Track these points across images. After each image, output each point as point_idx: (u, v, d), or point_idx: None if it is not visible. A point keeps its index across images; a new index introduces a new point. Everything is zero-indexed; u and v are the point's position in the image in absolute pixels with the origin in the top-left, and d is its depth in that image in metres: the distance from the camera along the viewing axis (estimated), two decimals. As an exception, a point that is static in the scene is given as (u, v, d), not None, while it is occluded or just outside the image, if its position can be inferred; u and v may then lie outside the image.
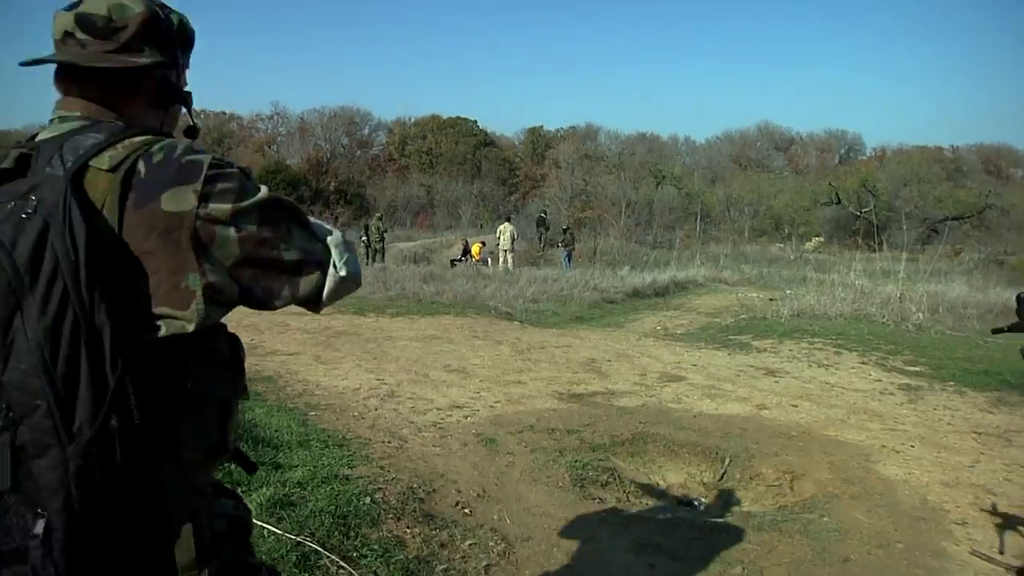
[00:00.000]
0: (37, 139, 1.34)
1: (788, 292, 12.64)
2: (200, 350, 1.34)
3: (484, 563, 3.58)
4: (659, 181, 41.70)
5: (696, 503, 4.86)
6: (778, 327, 11.02)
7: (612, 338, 10.34)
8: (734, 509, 4.67)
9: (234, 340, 1.47)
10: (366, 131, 59.20)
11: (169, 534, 1.30)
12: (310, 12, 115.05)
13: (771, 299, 13.52)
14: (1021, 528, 4.16)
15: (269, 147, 53.58)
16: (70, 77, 1.39)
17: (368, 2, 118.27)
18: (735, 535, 4.13)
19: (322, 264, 1.38)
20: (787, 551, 3.92)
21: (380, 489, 4.13)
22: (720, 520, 4.38)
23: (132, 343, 1.21)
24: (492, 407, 6.25)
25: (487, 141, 58.21)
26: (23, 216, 1.18)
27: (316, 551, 3.28)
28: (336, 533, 3.48)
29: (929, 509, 4.49)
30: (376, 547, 3.46)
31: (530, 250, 30.26)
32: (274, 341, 8.77)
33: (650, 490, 4.96)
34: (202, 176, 1.28)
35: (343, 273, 1.39)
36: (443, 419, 5.85)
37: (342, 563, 3.21)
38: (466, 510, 4.15)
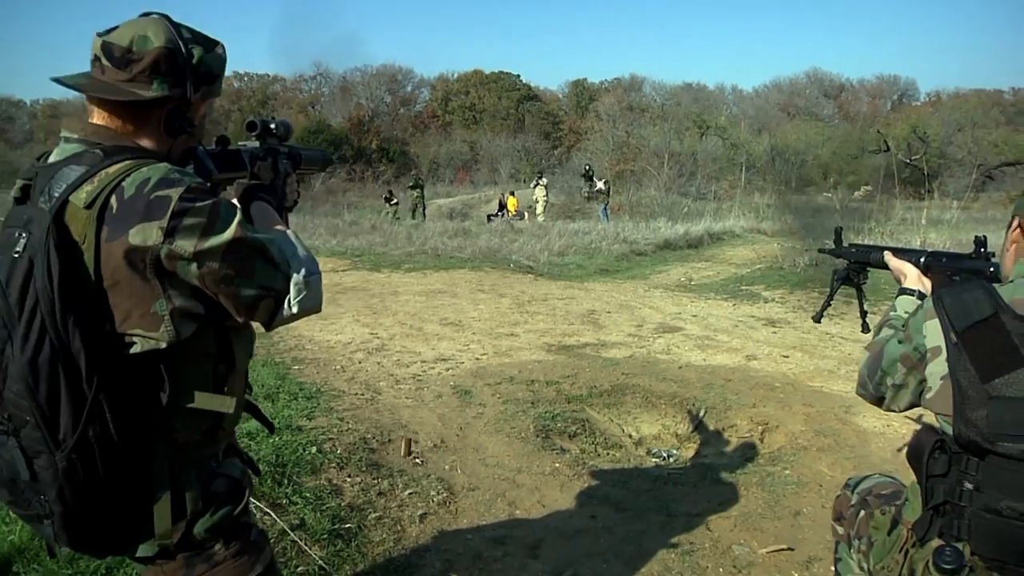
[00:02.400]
0: (44, 163, 1.49)
1: (810, 242, 12.26)
2: (183, 352, 1.47)
3: (421, 512, 3.59)
4: (703, 132, 40.87)
5: (665, 455, 4.80)
6: (792, 277, 10.77)
7: (619, 290, 10.21)
8: (699, 461, 4.60)
9: (224, 337, 1.57)
10: (409, 88, 58.99)
11: (152, 503, 1.49)
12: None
13: (790, 246, 13.17)
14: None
15: (313, 107, 53.72)
16: (91, 98, 1.51)
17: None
18: (688, 487, 4.08)
19: (279, 298, 1.49)
20: (739, 504, 3.87)
21: (331, 440, 4.16)
22: (677, 472, 4.32)
23: (107, 363, 1.38)
24: (478, 359, 6.24)
25: (530, 95, 57.49)
26: (14, 255, 1.35)
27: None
28: (269, 481, 3.51)
29: (900, 461, 4.33)
30: (309, 495, 3.49)
31: (569, 203, 30.03)
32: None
33: (619, 442, 4.91)
34: (168, 212, 1.36)
35: (295, 310, 1.50)
36: (425, 371, 5.86)
37: (267, 510, 3.24)
38: (418, 460, 4.17)
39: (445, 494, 3.79)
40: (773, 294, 9.62)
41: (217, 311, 1.49)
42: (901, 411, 1.83)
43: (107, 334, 1.40)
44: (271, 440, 3.96)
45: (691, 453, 4.82)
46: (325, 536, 3.19)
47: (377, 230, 17.46)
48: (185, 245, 1.38)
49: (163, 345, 1.42)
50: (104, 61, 1.48)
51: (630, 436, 5.06)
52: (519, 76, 58.13)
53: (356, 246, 13.99)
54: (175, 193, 1.38)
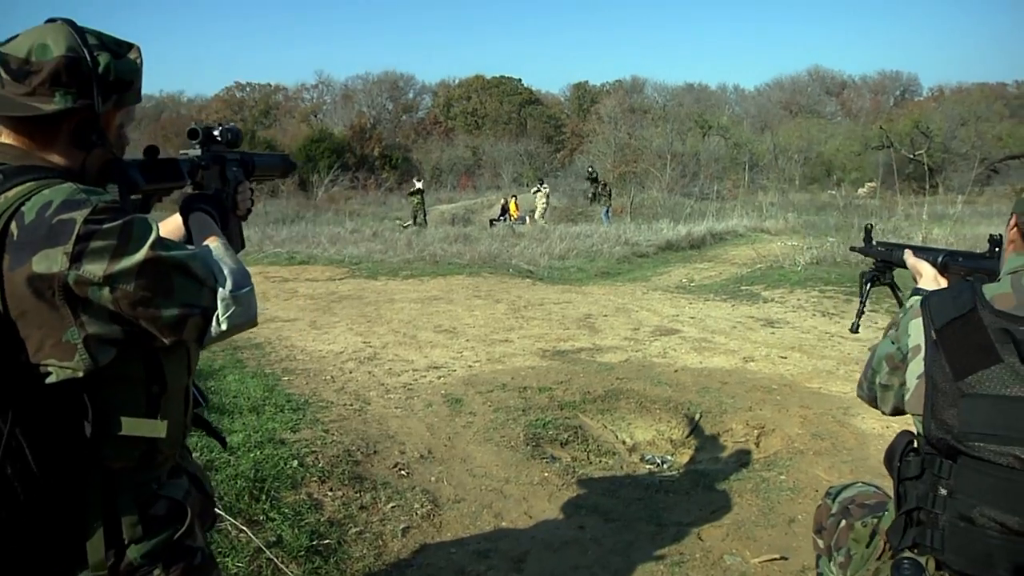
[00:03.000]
0: None
1: (812, 240, 12.15)
2: (107, 378, 1.36)
3: (404, 525, 3.50)
4: (705, 132, 40.75)
5: (659, 461, 4.70)
6: (792, 276, 10.64)
7: (617, 293, 10.12)
8: (692, 468, 4.50)
9: (153, 359, 1.46)
10: (411, 95, 59.06)
11: (86, 532, 1.40)
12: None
13: (792, 244, 13.07)
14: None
15: (315, 116, 53.80)
16: None
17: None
18: (680, 495, 3.99)
19: (206, 315, 1.39)
20: (732, 512, 3.77)
21: (314, 452, 4.07)
22: (670, 479, 4.22)
23: (21, 396, 1.28)
24: (470, 367, 6.15)
25: (532, 99, 57.45)
26: None
27: (218, 515, 3.22)
28: (246, 497, 3.43)
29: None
30: (287, 510, 3.41)
31: (571, 207, 29.96)
32: (276, 308, 8.77)
33: (612, 449, 4.81)
34: (73, 237, 1.26)
35: (224, 327, 1.40)
36: (416, 380, 5.77)
37: (242, 527, 3.15)
38: (403, 472, 4.08)
39: (429, 507, 3.70)
40: (773, 294, 9.51)
41: (140, 334, 1.38)
42: (889, 414, 1.76)
43: (20, 365, 1.30)
44: (251, 455, 3.88)
45: (685, 459, 4.72)
46: (303, 553, 3.10)
47: (378, 237, 17.41)
48: (94, 269, 1.28)
49: (80, 374, 1.32)
50: (2, 74, 1.36)
51: (623, 442, 4.96)
52: (520, 80, 58.24)
53: (355, 254, 13.91)
54: (80, 216, 1.28)
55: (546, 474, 4.15)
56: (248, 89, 57.38)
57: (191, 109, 55.10)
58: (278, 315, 8.38)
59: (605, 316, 8.16)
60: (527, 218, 25.27)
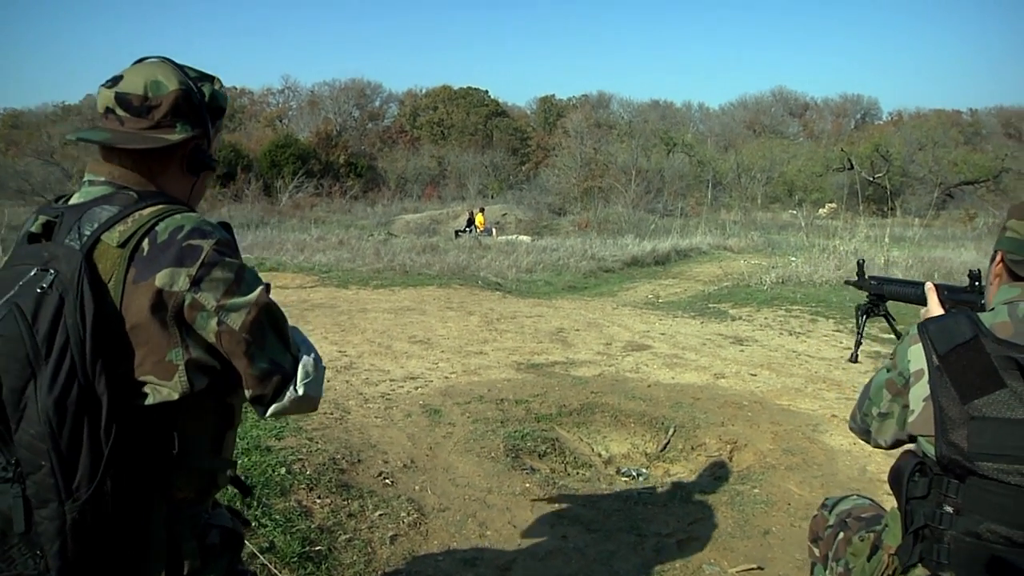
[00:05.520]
0: (66, 203, 1.48)
1: (776, 259, 12.43)
2: (189, 408, 1.43)
3: (391, 533, 3.56)
4: (670, 148, 41.24)
5: (635, 474, 4.81)
6: (759, 295, 10.88)
7: (588, 307, 10.25)
8: (668, 480, 4.62)
9: (225, 397, 1.54)
10: (377, 103, 58.90)
11: (149, 562, 1.44)
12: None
13: (756, 263, 13.34)
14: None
15: (280, 121, 53.42)
16: (110, 149, 1.50)
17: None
18: (658, 507, 4.10)
19: (286, 378, 1.47)
20: (708, 523, 3.89)
21: (300, 460, 4.12)
22: (647, 492, 4.34)
23: (124, 411, 1.34)
24: (447, 378, 6.22)
25: (499, 111, 57.67)
26: (39, 290, 1.30)
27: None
28: (237, 503, 3.46)
29: (867, 480, 4.42)
30: (279, 517, 3.45)
31: (536, 219, 30.15)
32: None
33: (589, 461, 4.92)
34: (199, 262, 1.38)
35: (300, 392, 1.47)
36: (394, 390, 5.83)
37: (235, 535, 3.19)
38: (387, 480, 4.14)
39: (415, 515, 3.77)
40: (740, 312, 9.70)
41: (226, 373, 1.47)
42: (887, 446, 1.82)
43: (125, 381, 1.36)
44: (240, 462, 3.91)
45: (661, 472, 4.84)
46: (295, 559, 3.15)
47: (345, 245, 17.39)
48: (209, 298, 1.39)
49: (175, 396, 1.39)
50: (120, 112, 1.49)
51: (599, 455, 5.06)
52: (487, 92, 58.40)
53: (323, 262, 13.90)
54: (207, 244, 1.40)
55: (527, 485, 4.24)
56: (213, 92, 56.76)
57: (154, 110, 54.30)
58: (251, 322, 8.35)
59: (577, 330, 8.28)
60: (493, 230, 25.39)
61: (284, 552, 3.18)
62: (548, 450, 4.86)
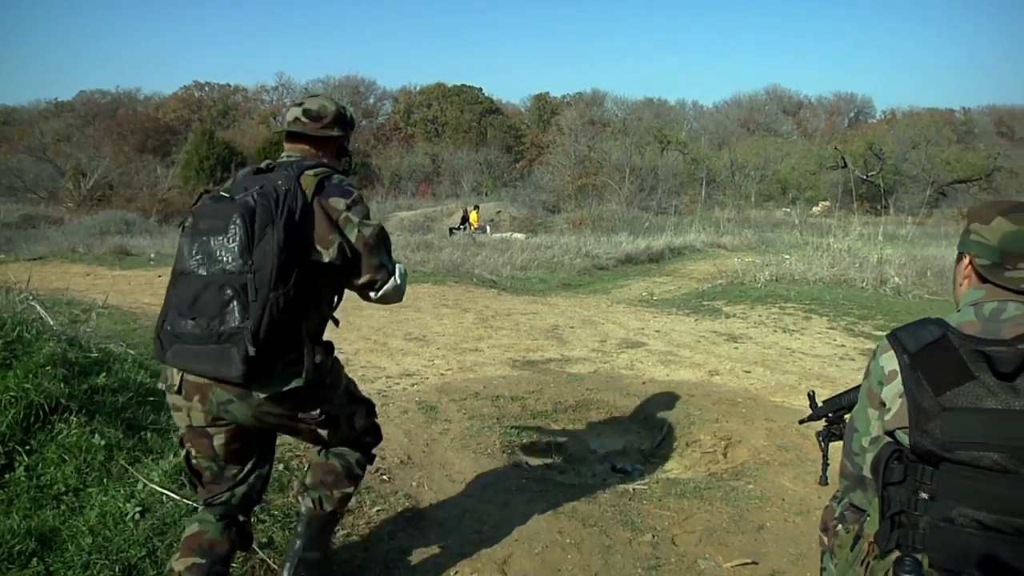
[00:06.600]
0: (277, 161, 2.53)
1: (770, 257, 12.48)
2: (327, 276, 2.43)
3: (389, 529, 3.58)
4: (664, 146, 41.32)
5: (630, 470, 4.84)
6: (753, 292, 10.93)
7: (582, 305, 10.29)
8: (663, 476, 4.65)
9: (339, 287, 2.57)
10: (371, 100, 58.92)
11: (301, 349, 2.36)
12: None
13: (750, 261, 13.38)
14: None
15: (274, 118, 53.33)
16: (298, 138, 2.66)
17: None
18: (654, 502, 4.12)
19: (390, 273, 2.52)
20: (703, 518, 3.92)
21: (298, 456, 4.14)
22: (642, 487, 4.37)
23: (304, 258, 2.31)
24: (443, 375, 6.25)
25: (492, 109, 57.67)
26: (274, 188, 2.29)
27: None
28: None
29: (860, 475, 4.45)
30: (277, 513, 3.48)
31: (531, 217, 30.19)
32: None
33: (585, 457, 4.95)
34: (352, 198, 2.45)
35: (398, 282, 2.54)
36: (390, 387, 5.85)
37: (234, 530, 3.21)
38: (384, 476, 4.16)
39: (413, 511, 3.79)
40: (734, 309, 9.75)
41: (346, 267, 2.42)
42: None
43: (307, 243, 2.33)
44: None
45: (656, 468, 4.87)
46: (293, 555, 3.17)
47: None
48: (353, 216, 2.42)
49: (326, 260, 2.34)
50: (305, 119, 2.62)
51: (595, 451, 5.09)
52: (481, 89, 58.39)
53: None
54: (353, 189, 2.49)
55: (523, 480, 4.26)
56: (207, 88, 56.80)
57: (148, 107, 54.33)
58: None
59: (572, 327, 8.31)
60: (487, 227, 25.42)
61: (283, 547, 3.19)
62: (544, 446, 4.88)
